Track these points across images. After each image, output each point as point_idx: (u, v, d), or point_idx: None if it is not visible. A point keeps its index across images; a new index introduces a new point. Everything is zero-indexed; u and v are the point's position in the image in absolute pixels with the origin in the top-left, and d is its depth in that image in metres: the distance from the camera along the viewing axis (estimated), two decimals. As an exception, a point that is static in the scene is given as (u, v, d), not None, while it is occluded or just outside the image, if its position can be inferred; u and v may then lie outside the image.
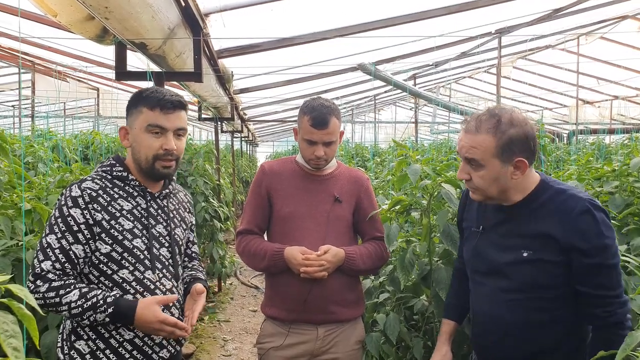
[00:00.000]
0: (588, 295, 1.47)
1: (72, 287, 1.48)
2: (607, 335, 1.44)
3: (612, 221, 2.27)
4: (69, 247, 1.50)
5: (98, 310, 1.46)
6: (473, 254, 1.66)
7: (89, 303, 1.46)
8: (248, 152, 18.61)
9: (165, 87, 2.52)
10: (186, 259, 1.85)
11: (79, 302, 1.46)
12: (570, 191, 1.51)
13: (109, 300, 1.48)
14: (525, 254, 1.50)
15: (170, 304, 1.63)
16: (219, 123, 6.95)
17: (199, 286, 1.69)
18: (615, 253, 1.47)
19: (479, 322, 1.65)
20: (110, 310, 1.47)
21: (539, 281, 1.50)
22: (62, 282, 1.48)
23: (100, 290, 1.50)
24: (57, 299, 1.46)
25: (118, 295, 1.51)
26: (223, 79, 4.56)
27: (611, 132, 9.57)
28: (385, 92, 9.93)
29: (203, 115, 6.37)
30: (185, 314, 1.67)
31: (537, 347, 1.54)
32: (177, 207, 1.77)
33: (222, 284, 6.26)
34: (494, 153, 1.48)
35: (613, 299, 1.45)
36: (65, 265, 1.50)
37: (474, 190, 1.58)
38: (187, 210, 1.83)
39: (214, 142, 6.90)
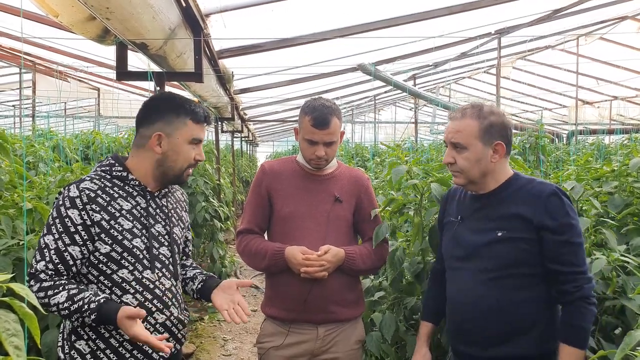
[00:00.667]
0: (557, 272, 1.59)
1: (60, 288, 1.47)
2: (576, 309, 1.56)
3: (611, 221, 2.30)
4: (64, 249, 1.50)
5: (84, 314, 1.46)
6: (451, 241, 1.76)
7: (75, 306, 1.45)
8: (248, 152, 18.62)
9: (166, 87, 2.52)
10: (184, 257, 1.86)
11: (66, 304, 1.45)
12: (539, 180, 1.70)
13: (92, 306, 1.45)
14: (499, 234, 1.63)
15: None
16: (219, 123, 6.96)
17: (245, 281, 1.76)
18: (580, 234, 1.62)
19: (456, 309, 1.72)
20: (93, 316, 1.46)
21: (513, 259, 1.62)
22: (52, 282, 1.48)
23: (89, 293, 1.48)
24: (46, 300, 1.46)
25: (102, 300, 1.47)
26: (223, 79, 4.57)
27: (610, 132, 9.58)
28: (385, 92, 9.94)
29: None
30: (228, 309, 1.64)
31: (513, 327, 1.62)
32: (175, 206, 1.78)
33: (222, 283, 6.24)
34: (476, 135, 1.65)
35: (580, 275, 1.58)
36: (59, 266, 1.50)
37: (457, 174, 1.70)
38: (184, 209, 1.84)
39: (214, 142, 6.91)
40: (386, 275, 2.30)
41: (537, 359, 1.64)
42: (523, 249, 1.60)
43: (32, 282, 1.48)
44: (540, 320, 1.63)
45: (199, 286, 1.77)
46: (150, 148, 1.63)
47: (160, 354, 1.61)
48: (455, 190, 1.86)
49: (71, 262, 1.51)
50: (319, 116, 1.96)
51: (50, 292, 1.46)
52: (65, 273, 1.51)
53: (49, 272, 1.49)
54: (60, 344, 1.59)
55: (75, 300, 1.46)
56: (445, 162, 1.73)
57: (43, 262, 1.49)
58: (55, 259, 1.50)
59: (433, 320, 1.88)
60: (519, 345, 1.62)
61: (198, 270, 1.83)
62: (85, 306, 1.45)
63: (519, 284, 1.62)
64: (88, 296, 1.47)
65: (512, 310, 1.61)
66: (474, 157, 1.65)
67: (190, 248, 1.90)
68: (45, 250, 1.50)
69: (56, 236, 1.50)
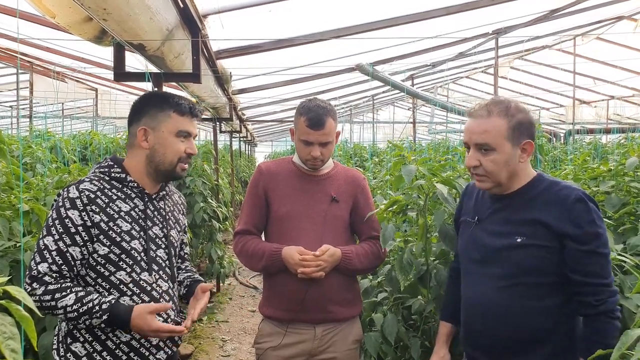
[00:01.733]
0: (580, 283, 1.50)
1: (68, 290, 1.47)
2: (598, 323, 1.48)
3: (608, 220, 2.30)
4: (66, 249, 1.50)
5: (94, 316, 1.46)
6: (467, 243, 1.68)
7: (85, 308, 1.46)
8: (247, 152, 18.61)
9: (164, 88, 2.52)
10: (179, 260, 1.86)
11: (74, 307, 1.45)
12: (565, 183, 1.59)
13: (104, 306, 1.47)
14: (518, 240, 1.53)
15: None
16: (218, 123, 6.95)
17: (204, 284, 1.73)
18: (606, 243, 1.52)
19: (470, 312, 1.65)
20: (105, 316, 1.47)
21: (532, 266, 1.53)
22: (59, 285, 1.47)
23: (97, 295, 1.50)
24: (53, 302, 1.45)
25: (114, 300, 1.50)
26: (221, 80, 4.57)
27: (607, 131, 9.59)
28: (384, 92, 9.93)
29: (202, 116, 6.37)
30: (188, 312, 1.68)
31: (528, 336, 1.55)
32: (172, 208, 1.78)
33: (221, 284, 6.26)
34: (505, 135, 1.53)
35: (604, 287, 1.49)
36: (62, 267, 1.49)
37: (482, 178, 1.58)
38: (181, 212, 1.84)
39: (213, 142, 6.90)
40: (386, 276, 2.28)
41: None
42: (541, 257, 1.51)
43: (35, 285, 1.46)
44: (557, 331, 1.54)
45: (184, 291, 1.79)
46: (139, 144, 1.64)
47: (157, 356, 1.61)
48: (473, 186, 1.75)
49: (73, 263, 1.51)
50: (314, 117, 1.96)
51: (57, 295, 1.46)
52: (68, 275, 1.51)
53: (54, 275, 1.48)
54: (55, 347, 1.58)
55: (85, 302, 1.46)
56: (469, 166, 1.59)
57: (46, 264, 1.48)
58: (59, 260, 1.49)
59: (452, 320, 1.79)
60: (534, 356, 1.54)
61: (189, 274, 1.83)
62: (97, 307, 1.46)
63: (536, 293, 1.53)
64: (97, 297, 1.48)
65: (524, 319, 1.54)
66: (502, 159, 1.53)
67: (187, 251, 1.90)
68: (45, 252, 1.49)
69: (56, 237, 1.50)
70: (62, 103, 8.69)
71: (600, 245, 1.49)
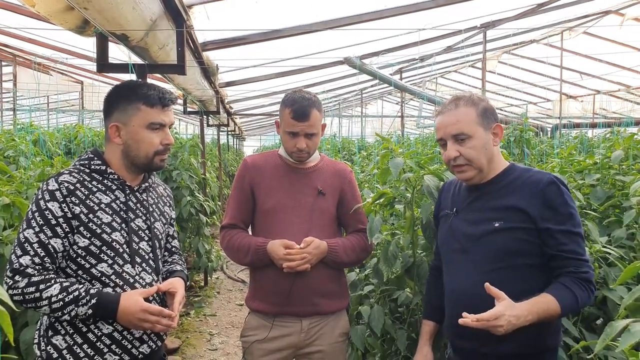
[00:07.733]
0: (562, 258, 1.54)
1: (52, 281, 1.45)
2: (576, 283, 1.51)
3: (593, 213, 2.32)
4: (47, 241, 1.48)
5: (80, 303, 1.45)
6: (447, 234, 1.72)
7: (71, 296, 1.44)
8: (235, 146, 18.53)
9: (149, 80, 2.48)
10: (166, 253, 1.83)
11: (60, 296, 1.44)
12: (536, 169, 1.64)
13: (92, 291, 1.47)
14: (496, 224, 1.58)
15: (150, 298, 1.61)
16: (205, 116, 6.89)
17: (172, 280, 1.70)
18: (580, 224, 1.57)
19: (454, 300, 1.67)
20: (93, 301, 1.45)
21: (511, 249, 1.56)
22: (42, 276, 1.45)
23: (82, 284, 1.49)
24: (37, 294, 1.43)
25: (100, 288, 1.50)
26: (208, 72, 4.52)
27: (594, 126, 9.67)
28: (372, 86, 9.93)
29: (188, 109, 6.31)
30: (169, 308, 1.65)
31: None
32: (157, 200, 1.75)
33: (208, 278, 6.24)
34: (476, 121, 1.60)
35: (585, 262, 1.54)
36: (45, 259, 1.47)
37: (465, 167, 1.61)
38: (167, 204, 1.82)
39: (200, 136, 6.84)
40: (373, 269, 2.28)
41: (536, 356, 1.57)
42: (521, 239, 1.54)
43: (17, 278, 1.44)
44: None
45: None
46: (112, 140, 1.61)
47: (140, 349, 1.59)
48: (450, 183, 1.81)
49: (55, 255, 1.49)
50: (299, 108, 1.94)
51: (42, 286, 1.44)
52: (51, 268, 1.49)
53: (37, 267, 1.46)
54: (36, 340, 1.56)
55: (70, 290, 1.45)
56: (449, 158, 1.62)
57: (28, 257, 1.46)
58: (41, 252, 1.47)
59: (434, 318, 1.82)
60: (517, 340, 1.53)
61: (171, 266, 1.80)
62: (83, 293, 1.45)
63: (517, 276, 1.55)
64: (83, 286, 1.48)
65: None
66: (480, 143, 1.59)
67: (174, 244, 1.87)
68: (26, 245, 1.47)
69: (37, 229, 1.48)
70: (47, 96, 8.56)
71: (576, 225, 1.55)
